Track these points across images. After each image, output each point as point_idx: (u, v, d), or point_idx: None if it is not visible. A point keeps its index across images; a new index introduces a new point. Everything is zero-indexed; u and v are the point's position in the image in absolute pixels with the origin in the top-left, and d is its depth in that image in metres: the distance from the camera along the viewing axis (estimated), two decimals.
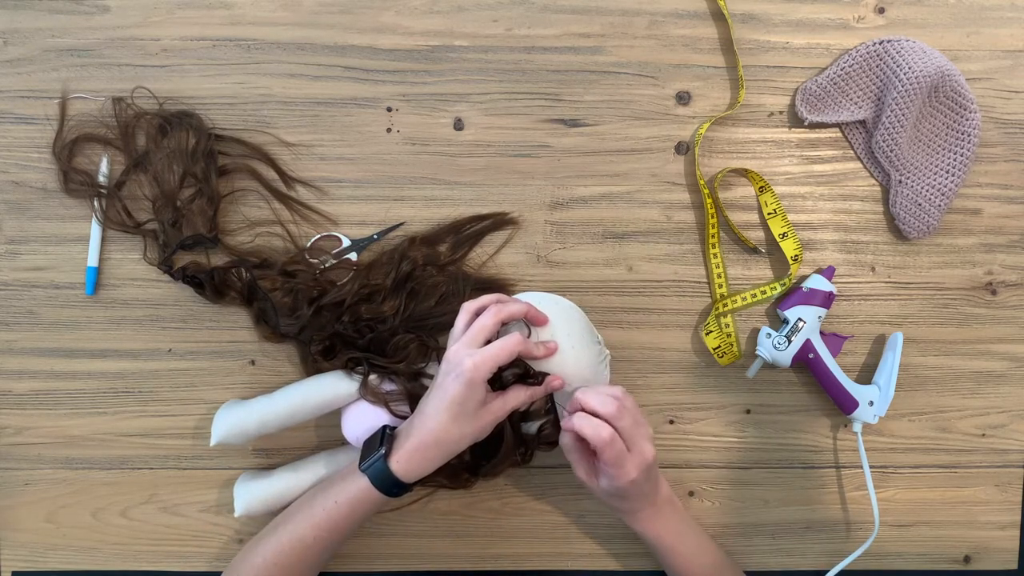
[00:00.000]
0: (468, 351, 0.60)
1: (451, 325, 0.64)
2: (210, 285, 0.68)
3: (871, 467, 0.73)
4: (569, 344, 0.65)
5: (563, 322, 0.66)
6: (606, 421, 0.60)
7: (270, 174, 0.70)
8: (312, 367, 0.69)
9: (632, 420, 0.61)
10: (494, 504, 0.74)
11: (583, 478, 0.64)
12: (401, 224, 0.71)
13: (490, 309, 0.62)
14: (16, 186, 0.70)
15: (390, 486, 0.60)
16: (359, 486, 0.61)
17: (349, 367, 0.68)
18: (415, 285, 0.69)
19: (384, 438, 0.61)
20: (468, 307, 0.64)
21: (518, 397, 0.62)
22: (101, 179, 0.69)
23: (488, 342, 0.61)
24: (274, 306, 0.68)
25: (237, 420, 0.66)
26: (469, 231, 0.71)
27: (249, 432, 0.66)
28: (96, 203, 0.69)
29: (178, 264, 0.69)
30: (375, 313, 0.68)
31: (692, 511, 0.74)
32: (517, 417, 0.65)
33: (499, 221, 0.71)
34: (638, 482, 0.62)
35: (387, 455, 0.60)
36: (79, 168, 0.69)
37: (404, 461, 0.60)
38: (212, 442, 0.66)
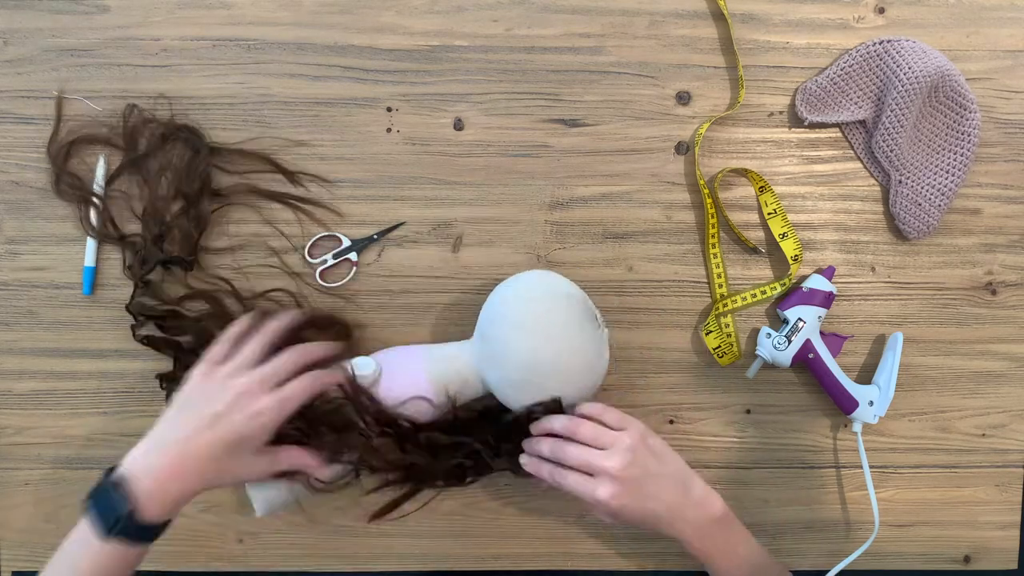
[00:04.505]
0: (267, 389, 0.57)
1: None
2: (166, 344, 0.68)
3: (871, 467, 0.73)
4: (564, 355, 0.62)
5: (559, 325, 0.62)
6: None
7: (269, 186, 0.70)
8: None
9: (593, 434, 0.60)
10: (494, 504, 0.74)
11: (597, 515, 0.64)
12: (401, 224, 0.71)
13: (294, 350, 0.59)
14: (16, 186, 0.70)
15: (148, 536, 0.55)
16: (107, 552, 0.53)
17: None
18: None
19: (115, 493, 0.53)
20: (231, 333, 0.61)
21: (289, 459, 0.59)
22: (97, 182, 0.69)
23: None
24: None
25: (275, 492, 0.64)
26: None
27: (287, 498, 0.64)
28: (81, 209, 0.69)
29: (153, 276, 0.69)
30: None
31: None
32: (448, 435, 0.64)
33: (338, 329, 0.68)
34: (627, 506, 0.59)
35: (132, 512, 0.53)
36: (72, 171, 0.69)
37: (158, 501, 0.54)
38: (258, 513, 0.64)
